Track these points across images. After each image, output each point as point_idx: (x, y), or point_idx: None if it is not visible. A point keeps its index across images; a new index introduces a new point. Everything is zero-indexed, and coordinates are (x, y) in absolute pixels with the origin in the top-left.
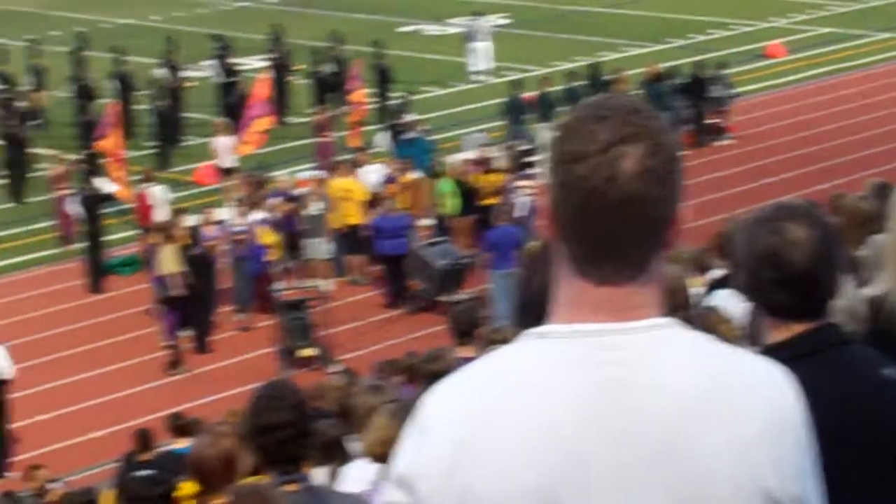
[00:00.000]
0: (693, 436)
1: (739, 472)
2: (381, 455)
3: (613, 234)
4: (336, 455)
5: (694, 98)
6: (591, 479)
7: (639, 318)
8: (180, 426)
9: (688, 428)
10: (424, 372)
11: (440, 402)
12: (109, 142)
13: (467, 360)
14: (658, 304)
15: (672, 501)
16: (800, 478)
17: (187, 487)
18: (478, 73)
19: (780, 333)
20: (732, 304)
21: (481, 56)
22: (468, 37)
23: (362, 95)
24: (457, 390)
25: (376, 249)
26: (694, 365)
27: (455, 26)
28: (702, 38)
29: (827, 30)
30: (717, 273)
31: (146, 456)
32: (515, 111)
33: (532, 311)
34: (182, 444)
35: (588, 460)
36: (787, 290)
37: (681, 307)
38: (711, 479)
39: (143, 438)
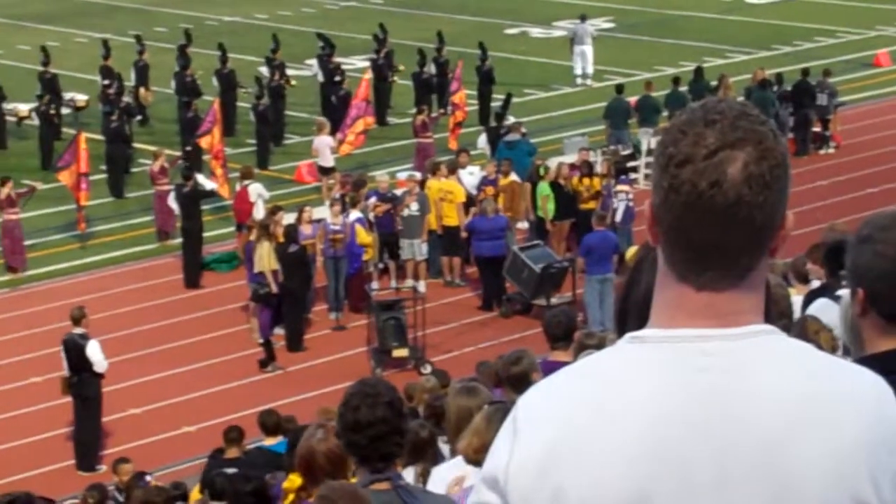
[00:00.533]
0: (791, 445)
1: (835, 481)
2: (476, 458)
3: (718, 240)
4: (426, 455)
5: (799, 106)
6: (688, 488)
7: (740, 325)
8: (271, 423)
9: (786, 437)
10: (506, 375)
11: (535, 403)
12: (210, 139)
13: (561, 364)
14: (759, 311)
15: (743, 481)
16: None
17: (294, 480)
18: (583, 76)
19: (887, 342)
20: (830, 313)
21: (586, 60)
22: (573, 40)
23: (464, 97)
24: (553, 392)
25: (474, 250)
26: (794, 373)
27: (560, 29)
28: (809, 45)
29: None
30: (815, 283)
31: (234, 453)
32: (617, 115)
33: (634, 317)
34: (272, 441)
35: (686, 468)
36: None
37: (782, 316)
38: (807, 488)
39: (233, 436)
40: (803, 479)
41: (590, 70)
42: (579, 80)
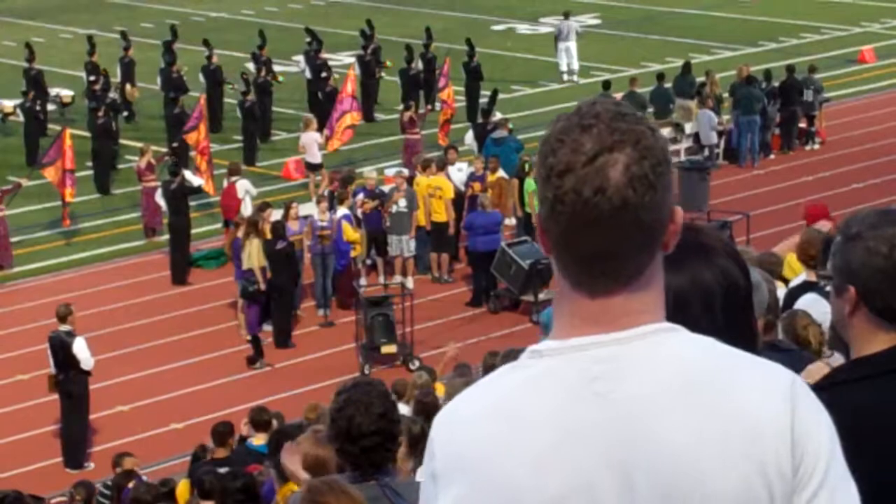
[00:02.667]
0: (654, 429)
1: (692, 471)
2: None
3: (608, 245)
4: (418, 451)
5: (786, 102)
6: (594, 501)
7: (636, 325)
8: (262, 421)
9: (653, 421)
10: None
11: (436, 430)
12: (196, 135)
13: None
14: (657, 309)
15: (650, 495)
16: (766, 487)
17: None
18: (569, 72)
19: (881, 342)
20: (816, 308)
21: (570, 56)
22: (558, 37)
23: (451, 93)
24: (449, 419)
25: (469, 246)
26: (684, 370)
27: (547, 26)
28: (794, 41)
29: None
30: (799, 278)
31: (221, 452)
32: None
33: None
34: (260, 440)
35: (590, 484)
36: None
37: (767, 311)
38: (680, 479)
39: (219, 435)
40: (678, 468)
41: (575, 66)
42: (566, 77)
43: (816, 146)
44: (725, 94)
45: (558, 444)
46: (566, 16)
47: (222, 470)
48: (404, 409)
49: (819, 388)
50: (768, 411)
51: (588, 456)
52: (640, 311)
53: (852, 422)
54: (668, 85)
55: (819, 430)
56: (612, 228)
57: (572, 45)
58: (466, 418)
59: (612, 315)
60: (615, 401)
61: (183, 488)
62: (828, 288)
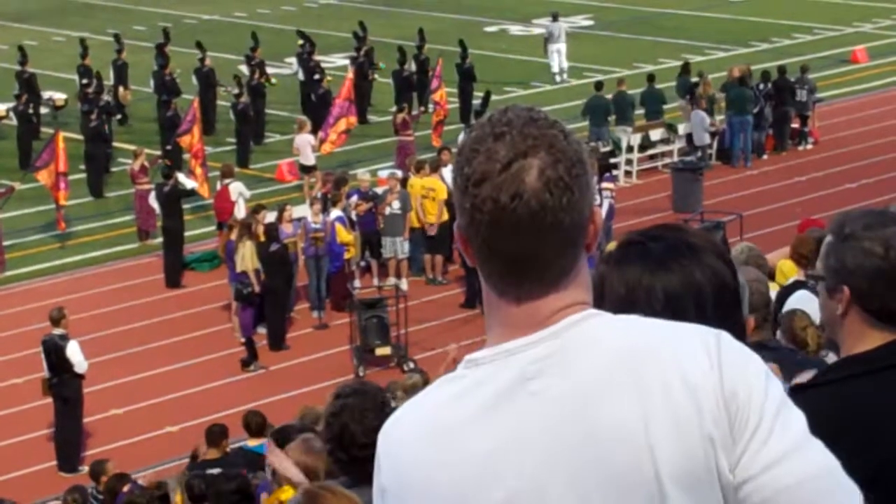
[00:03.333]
0: (597, 416)
1: (641, 449)
2: None
3: (529, 249)
4: None
5: (779, 103)
6: (543, 497)
7: (563, 320)
8: (255, 424)
9: (593, 409)
10: None
11: (380, 444)
12: (190, 138)
13: None
14: (582, 301)
15: (601, 486)
16: (709, 455)
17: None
18: (560, 73)
19: (874, 339)
20: (809, 306)
21: (561, 57)
22: (548, 39)
23: (444, 95)
24: (387, 437)
25: None
26: (604, 348)
27: (540, 27)
28: (787, 41)
29: None
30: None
31: (213, 454)
32: (597, 113)
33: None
34: (255, 442)
35: (538, 484)
36: None
37: (758, 308)
38: (632, 464)
39: (213, 435)
40: (613, 449)
41: (565, 65)
42: (558, 78)
43: (809, 146)
44: (720, 95)
45: (498, 452)
46: (555, 17)
47: (213, 471)
48: None
49: (815, 385)
50: (698, 375)
51: (532, 460)
52: (566, 307)
53: (852, 418)
54: (658, 86)
55: (746, 378)
56: (531, 233)
57: (563, 46)
58: (402, 439)
59: (542, 317)
60: (552, 398)
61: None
62: (817, 287)
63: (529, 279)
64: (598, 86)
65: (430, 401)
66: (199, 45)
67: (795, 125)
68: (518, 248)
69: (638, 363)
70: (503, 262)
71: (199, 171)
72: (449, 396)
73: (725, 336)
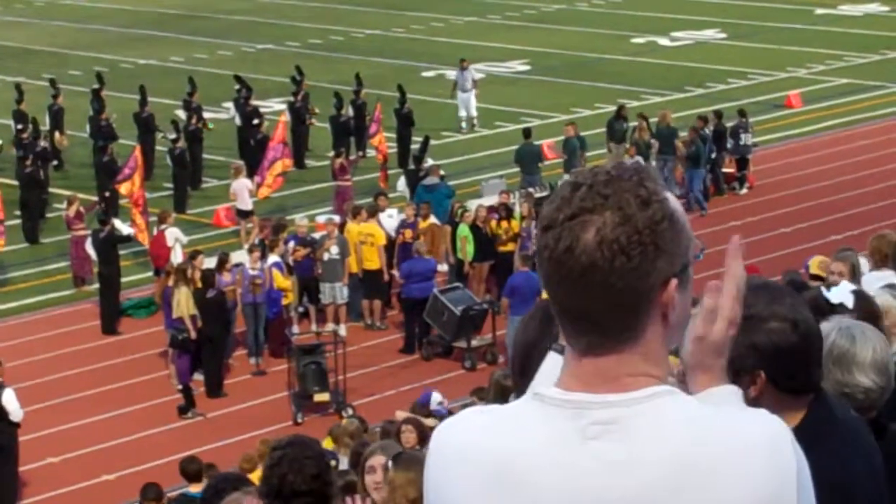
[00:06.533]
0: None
1: None
2: None
3: (582, 305)
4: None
5: (717, 147)
6: None
7: (632, 389)
8: (192, 471)
9: (657, 499)
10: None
11: (435, 437)
12: (130, 185)
13: None
14: (657, 373)
15: None
16: None
17: None
18: (468, 120)
19: (793, 417)
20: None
21: (468, 105)
22: (456, 85)
23: (382, 139)
24: (448, 432)
25: (403, 293)
26: (679, 438)
27: (479, 72)
28: (721, 87)
29: (845, 81)
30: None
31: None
32: (528, 160)
33: (516, 363)
34: (196, 488)
35: None
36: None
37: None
38: None
39: (150, 491)
40: None
41: (473, 113)
42: (464, 125)
43: (745, 191)
44: (654, 141)
45: (545, 493)
46: (461, 66)
47: None
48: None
49: None
50: (770, 472)
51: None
52: (638, 374)
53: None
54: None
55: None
56: (581, 289)
57: (470, 95)
58: (458, 444)
59: (606, 376)
60: (609, 464)
61: None
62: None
63: (587, 335)
64: (527, 133)
65: (499, 422)
66: (140, 90)
67: (730, 169)
68: (572, 301)
69: (694, 458)
70: (563, 313)
71: (139, 219)
72: (515, 424)
73: (780, 437)
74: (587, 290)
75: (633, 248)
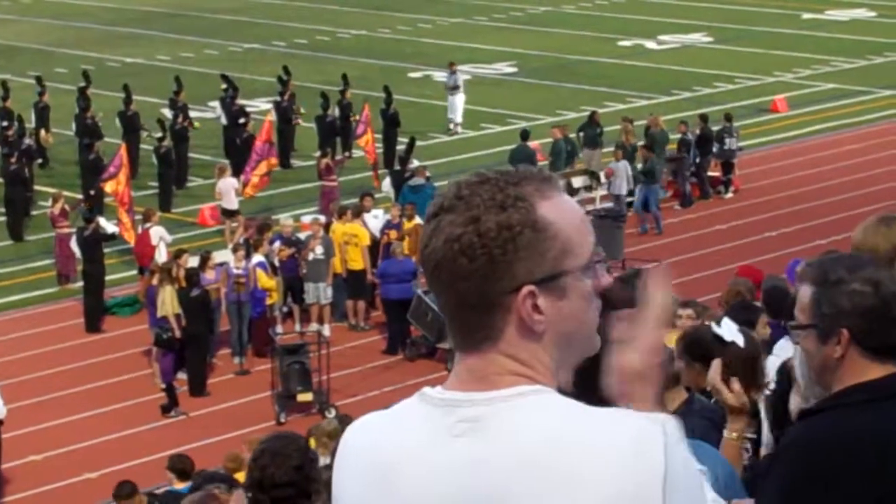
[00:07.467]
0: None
1: None
2: None
3: (440, 303)
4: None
5: (702, 151)
6: None
7: (502, 387)
8: (181, 468)
9: (513, 498)
10: None
11: (333, 470)
12: (115, 184)
13: None
14: (530, 373)
15: None
16: None
17: None
18: (453, 123)
19: (876, 372)
20: (792, 351)
21: (455, 108)
22: (449, 89)
23: (371, 140)
24: (344, 454)
25: (382, 294)
26: (541, 436)
27: (465, 73)
28: (708, 90)
29: (831, 85)
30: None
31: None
32: (521, 161)
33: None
34: (182, 485)
35: None
36: None
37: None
38: None
39: (123, 488)
40: None
41: (458, 119)
42: (451, 127)
43: (730, 195)
44: (640, 143)
45: (426, 477)
46: (450, 69)
47: None
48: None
49: (819, 411)
50: (611, 475)
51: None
52: (506, 373)
53: (852, 446)
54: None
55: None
56: (435, 286)
57: (458, 97)
58: (355, 441)
59: (477, 374)
60: (471, 463)
61: None
62: (800, 337)
63: (458, 333)
64: (524, 135)
65: (388, 422)
66: (125, 89)
67: (716, 173)
68: (438, 297)
69: (558, 456)
70: (440, 309)
71: (125, 219)
72: (401, 423)
73: (647, 433)
74: (440, 287)
75: (474, 250)
